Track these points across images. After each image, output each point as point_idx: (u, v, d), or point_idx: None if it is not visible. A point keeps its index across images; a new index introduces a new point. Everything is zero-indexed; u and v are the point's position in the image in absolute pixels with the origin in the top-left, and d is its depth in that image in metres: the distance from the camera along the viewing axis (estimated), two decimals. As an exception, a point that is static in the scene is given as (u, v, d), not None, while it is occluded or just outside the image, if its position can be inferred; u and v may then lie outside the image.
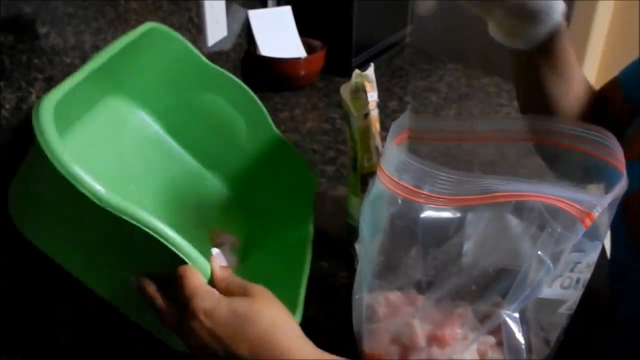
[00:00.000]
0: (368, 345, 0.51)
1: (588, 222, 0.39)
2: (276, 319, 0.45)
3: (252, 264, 0.71)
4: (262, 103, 0.75)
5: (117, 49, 0.59)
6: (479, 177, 0.40)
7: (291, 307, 0.50)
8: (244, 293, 0.46)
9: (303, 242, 0.66)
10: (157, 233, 0.46)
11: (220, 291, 0.47)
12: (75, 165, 0.45)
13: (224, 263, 0.50)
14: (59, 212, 0.52)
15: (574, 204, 0.39)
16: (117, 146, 0.69)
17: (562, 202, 0.39)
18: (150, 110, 0.74)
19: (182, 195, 0.76)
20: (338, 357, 0.45)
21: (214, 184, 0.79)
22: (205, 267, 0.48)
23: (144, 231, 0.45)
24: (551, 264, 0.41)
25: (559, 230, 0.40)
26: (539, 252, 0.41)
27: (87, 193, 0.44)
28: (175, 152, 0.77)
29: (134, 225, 0.45)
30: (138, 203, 0.47)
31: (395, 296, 0.51)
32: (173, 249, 0.46)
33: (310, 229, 0.68)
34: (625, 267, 0.54)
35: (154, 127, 0.75)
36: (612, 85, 0.65)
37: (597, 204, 0.39)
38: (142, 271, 0.50)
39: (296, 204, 0.74)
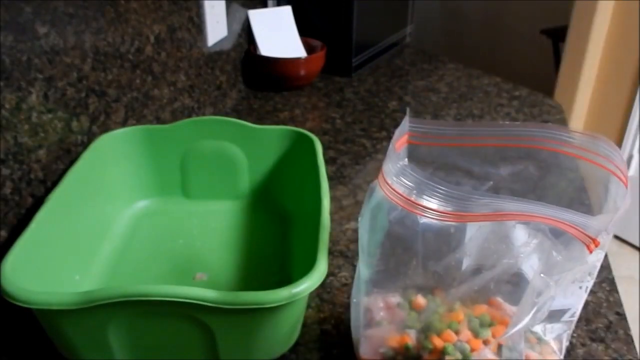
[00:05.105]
0: (364, 351, 0.52)
1: (593, 247, 0.38)
2: None
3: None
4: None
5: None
6: (483, 195, 0.39)
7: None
8: None
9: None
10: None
11: None
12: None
13: None
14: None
15: (579, 229, 0.38)
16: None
17: (568, 225, 0.39)
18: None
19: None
20: None
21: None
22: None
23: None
24: (555, 288, 0.41)
25: (563, 252, 0.39)
26: (542, 275, 0.40)
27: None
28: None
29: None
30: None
31: (394, 299, 0.51)
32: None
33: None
34: None
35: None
36: None
37: (602, 229, 0.38)
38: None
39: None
